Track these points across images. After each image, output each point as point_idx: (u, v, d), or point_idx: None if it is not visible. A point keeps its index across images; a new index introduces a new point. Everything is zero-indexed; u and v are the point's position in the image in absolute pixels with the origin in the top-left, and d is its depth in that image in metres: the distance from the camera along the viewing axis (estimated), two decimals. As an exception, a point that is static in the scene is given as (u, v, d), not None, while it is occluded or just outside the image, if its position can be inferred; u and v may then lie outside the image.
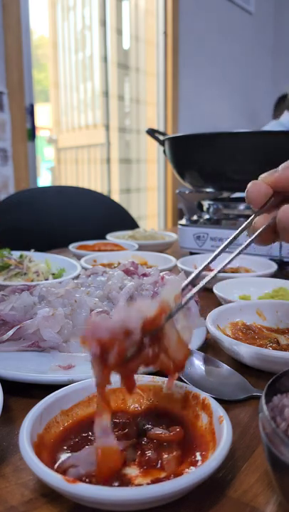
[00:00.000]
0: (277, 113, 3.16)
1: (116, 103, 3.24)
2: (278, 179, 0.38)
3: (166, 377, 0.38)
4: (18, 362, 0.45)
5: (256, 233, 0.38)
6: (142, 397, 0.37)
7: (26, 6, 2.20)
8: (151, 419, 0.35)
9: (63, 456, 0.30)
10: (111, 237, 1.20)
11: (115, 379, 0.37)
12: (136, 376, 0.38)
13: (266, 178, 0.39)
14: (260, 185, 0.38)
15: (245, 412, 0.39)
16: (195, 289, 0.34)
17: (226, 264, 0.37)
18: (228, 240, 0.38)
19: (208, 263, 0.37)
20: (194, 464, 0.30)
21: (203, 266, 0.37)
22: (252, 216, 0.39)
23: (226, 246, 0.38)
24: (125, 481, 0.28)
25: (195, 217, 1.07)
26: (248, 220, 0.39)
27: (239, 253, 0.37)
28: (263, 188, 0.38)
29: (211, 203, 1.04)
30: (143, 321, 0.29)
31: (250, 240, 0.38)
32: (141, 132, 3.38)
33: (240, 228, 0.39)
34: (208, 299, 0.68)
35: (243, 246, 0.37)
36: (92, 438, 0.33)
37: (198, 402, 0.35)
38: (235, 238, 0.38)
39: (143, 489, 0.25)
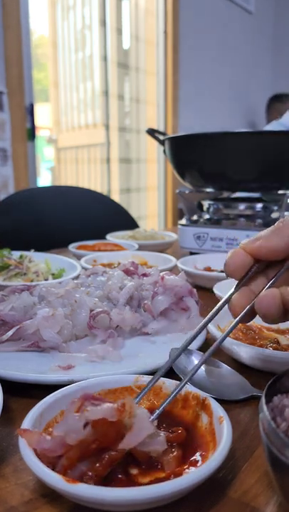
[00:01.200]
0: (270, 113, 3.16)
1: (116, 103, 3.23)
2: (260, 249, 0.35)
3: (167, 377, 0.38)
4: (18, 362, 0.45)
5: (238, 318, 0.35)
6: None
7: (26, 5, 2.20)
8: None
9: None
10: (111, 237, 1.20)
11: (115, 378, 0.37)
12: (136, 376, 0.38)
13: (247, 247, 0.36)
14: (239, 255, 0.36)
15: (245, 412, 0.39)
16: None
17: (222, 339, 0.36)
18: (211, 314, 0.37)
19: (189, 343, 0.36)
20: (194, 464, 0.30)
21: (180, 349, 0.36)
22: (233, 290, 0.37)
23: (209, 320, 0.36)
24: (125, 481, 0.28)
25: (195, 217, 1.07)
26: (229, 294, 0.37)
27: (228, 333, 0.36)
28: (242, 259, 0.36)
29: (211, 202, 1.04)
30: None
31: (233, 324, 0.35)
32: (141, 132, 3.38)
33: (224, 298, 0.36)
34: (208, 299, 0.68)
35: (227, 331, 0.36)
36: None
37: (199, 402, 0.35)
38: (216, 314, 0.36)
39: (143, 489, 0.25)
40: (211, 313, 0.36)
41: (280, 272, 0.36)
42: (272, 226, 0.36)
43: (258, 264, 0.36)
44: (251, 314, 0.35)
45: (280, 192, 0.96)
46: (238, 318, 0.35)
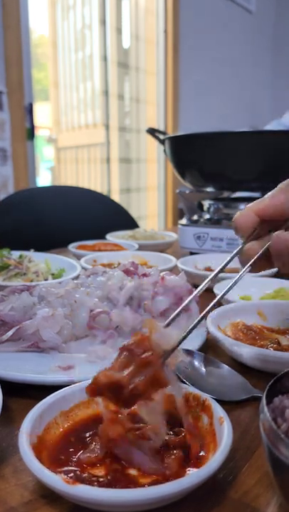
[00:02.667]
0: None
1: (116, 102, 3.23)
2: (266, 208, 0.38)
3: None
4: (18, 362, 0.45)
5: (251, 261, 0.38)
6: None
7: (26, 5, 2.19)
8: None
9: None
10: (111, 237, 1.20)
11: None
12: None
13: (253, 207, 0.38)
14: (247, 215, 0.38)
15: (245, 413, 0.39)
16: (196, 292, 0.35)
17: (223, 294, 0.37)
18: (221, 266, 0.38)
19: (201, 288, 0.36)
20: (195, 465, 0.30)
21: (201, 288, 0.37)
22: (241, 245, 0.39)
23: (218, 272, 0.38)
24: (126, 482, 0.28)
25: (195, 217, 1.06)
26: (239, 248, 0.39)
27: (236, 282, 0.37)
28: (251, 218, 0.38)
29: (211, 202, 1.04)
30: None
31: (245, 268, 0.38)
32: (141, 132, 3.38)
33: (231, 255, 0.39)
34: (208, 299, 0.68)
35: (239, 275, 0.37)
36: (91, 439, 0.33)
37: (199, 403, 0.34)
38: (226, 265, 0.38)
39: (143, 490, 0.25)
40: (221, 266, 0.38)
41: (287, 224, 0.38)
42: (276, 188, 0.39)
43: (262, 226, 0.38)
44: (263, 262, 0.38)
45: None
46: (255, 258, 0.37)
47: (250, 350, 0.44)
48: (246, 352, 0.44)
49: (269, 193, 0.39)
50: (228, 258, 0.38)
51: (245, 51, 4.04)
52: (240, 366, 0.46)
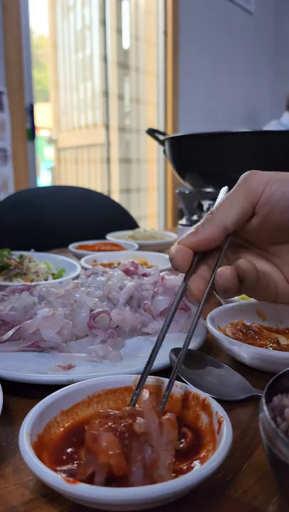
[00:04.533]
0: None
1: (116, 103, 3.23)
2: (199, 242, 0.39)
3: (167, 377, 0.38)
4: (18, 362, 0.45)
5: (201, 304, 0.38)
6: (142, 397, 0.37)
7: (26, 5, 2.20)
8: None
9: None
10: (111, 237, 1.20)
11: (116, 378, 0.37)
12: (136, 376, 0.38)
13: (186, 242, 0.39)
14: (182, 250, 0.39)
15: (245, 412, 0.39)
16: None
17: (185, 346, 0.36)
18: (168, 319, 0.38)
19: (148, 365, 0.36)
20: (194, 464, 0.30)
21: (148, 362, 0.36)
22: (183, 284, 0.39)
23: (165, 331, 0.37)
24: (125, 482, 0.28)
25: (195, 217, 1.07)
26: (182, 288, 0.39)
27: (196, 323, 0.38)
28: (186, 252, 0.39)
29: (211, 203, 1.04)
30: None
31: (199, 309, 0.38)
32: (141, 132, 3.38)
33: (176, 299, 0.38)
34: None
35: (195, 316, 0.37)
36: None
37: (199, 402, 0.35)
38: (174, 312, 0.38)
39: (143, 489, 0.25)
40: (168, 319, 0.38)
41: (221, 254, 0.40)
42: (203, 218, 0.40)
43: (197, 255, 0.40)
44: (210, 295, 0.39)
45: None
46: (202, 302, 0.38)
47: (250, 349, 0.44)
48: (246, 351, 0.44)
49: (198, 225, 0.40)
50: (175, 301, 0.38)
51: (245, 52, 4.04)
52: (239, 366, 0.46)
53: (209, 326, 0.49)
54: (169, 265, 0.85)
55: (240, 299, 0.64)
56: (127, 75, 3.27)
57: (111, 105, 3.22)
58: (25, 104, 2.21)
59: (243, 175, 0.42)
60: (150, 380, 0.37)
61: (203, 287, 0.39)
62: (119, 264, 0.86)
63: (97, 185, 3.33)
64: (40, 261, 0.89)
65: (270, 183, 0.39)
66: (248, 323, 0.54)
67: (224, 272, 0.38)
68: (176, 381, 0.37)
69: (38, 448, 0.30)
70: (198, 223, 0.40)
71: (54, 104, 3.51)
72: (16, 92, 2.15)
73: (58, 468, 0.29)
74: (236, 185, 0.41)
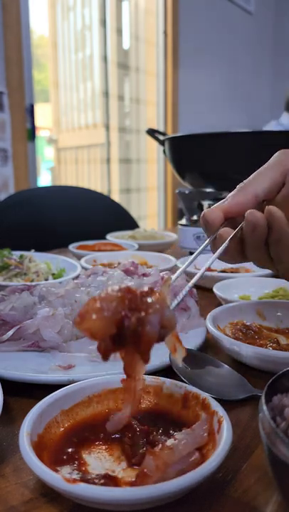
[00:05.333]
0: None
1: (116, 103, 3.23)
2: (230, 207, 0.41)
3: (167, 377, 0.38)
4: (18, 362, 0.45)
5: (226, 242, 0.40)
6: (141, 397, 0.37)
7: (26, 5, 2.20)
8: (152, 420, 0.35)
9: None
10: (111, 237, 1.20)
11: (116, 378, 0.37)
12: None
13: (219, 206, 0.42)
14: (215, 212, 0.42)
15: (245, 412, 0.39)
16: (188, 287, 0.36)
17: (199, 275, 0.38)
18: (193, 256, 0.40)
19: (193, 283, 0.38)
20: (194, 464, 0.30)
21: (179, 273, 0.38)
22: (207, 241, 0.42)
23: (190, 263, 0.40)
24: (125, 481, 0.29)
25: (195, 217, 1.07)
26: (207, 241, 0.42)
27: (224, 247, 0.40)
28: (218, 215, 0.41)
29: (211, 203, 1.04)
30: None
31: (223, 247, 0.40)
32: (141, 132, 3.38)
33: (202, 246, 0.41)
34: (208, 299, 0.68)
35: (212, 259, 0.39)
36: (92, 438, 0.33)
37: (198, 402, 0.35)
38: (199, 253, 0.41)
39: (143, 489, 0.25)
40: (193, 256, 0.40)
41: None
42: (236, 188, 0.42)
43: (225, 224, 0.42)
44: (236, 250, 0.42)
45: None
46: (228, 239, 0.41)
47: (250, 349, 0.44)
48: (246, 351, 0.44)
49: (230, 194, 0.42)
50: (200, 248, 0.41)
51: (245, 52, 4.04)
52: (239, 365, 0.46)
53: (209, 326, 0.49)
54: (169, 265, 0.86)
55: (241, 299, 0.64)
56: (127, 75, 3.27)
57: (111, 105, 3.22)
58: (26, 105, 2.21)
59: (274, 154, 0.43)
60: (150, 380, 0.38)
61: (231, 230, 0.41)
62: (119, 264, 0.86)
63: (97, 185, 3.33)
64: (40, 261, 0.89)
65: None
66: (248, 323, 0.54)
67: (254, 211, 0.39)
68: (176, 381, 0.37)
69: (38, 448, 0.30)
70: (231, 193, 0.42)
71: (54, 105, 3.51)
72: (16, 92, 2.15)
73: (58, 467, 0.29)
74: (268, 162, 0.43)
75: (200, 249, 0.41)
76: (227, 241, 0.41)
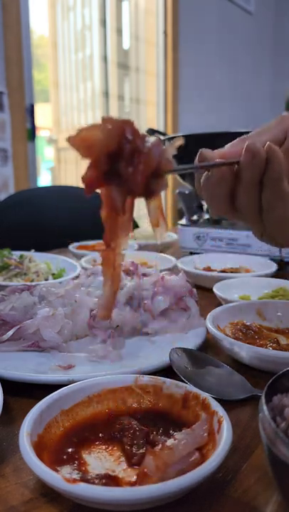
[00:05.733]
0: None
1: (116, 103, 3.23)
2: (227, 152, 0.41)
3: (167, 377, 0.38)
4: (19, 362, 0.45)
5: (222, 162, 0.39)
6: (141, 397, 0.37)
7: (26, 5, 2.20)
8: (152, 420, 0.35)
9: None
10: (111, 237, 1.19)
11: (116, 378, 0.37)
12: (136, 376, 0.38)
13: (215, 152, 0.41)
14: (212, 152, 0.41)
15: (245, 412, 0.39)
16: None
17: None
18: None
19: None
20: (194, 464, 0.30)
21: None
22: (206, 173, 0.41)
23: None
24: (125, 481, 0.29)
25: (195, 217, 1.07)
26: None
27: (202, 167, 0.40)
28: (214, 154, 0.41)
29: (211, 202, 1.04)
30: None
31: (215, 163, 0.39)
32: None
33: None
34: (208, 299, 0.68)
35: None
36: (92, 438, 0.33)
37: (198, 402, 0.35)
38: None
39: (143, 489, 0.25)
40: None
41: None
42: (236, 139, 0.42)
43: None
44: (227, 200, 0.40)
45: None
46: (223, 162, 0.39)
47: (250, 349, 0.44)
48: (246, 351, 0.44)
49: (228, 144, 0.42)
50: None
51: (245, 52, 4.04)
52: (239, 365, 0.46)
53: (209, 326, 0.49)
54: (170, 265, 0.86)
55: (241, 299, 0.64)
56: (127, 75, 3.27)
57: (111, 105, 3.22)
58: (26, 105, 2.21)
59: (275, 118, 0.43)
60: (150, 380, 0.38)
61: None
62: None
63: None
64: (40, 261, 0.89)
65: None
66: (248, 323, 0.54)
67: (255, 142, 0.38)
68: (176, 381, 0.37)
69: (38, 448, 0.30)
70: (231, 142, 0.42)
71: (54, 105, 3.51)
72: (16, 92, 2.15)
73: (58, 467, 0.29)
74: (268, 123, 0.42)
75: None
76: (220, 161, 0.39)
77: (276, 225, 0.40)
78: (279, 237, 0.41)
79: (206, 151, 0.41)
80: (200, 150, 0.41)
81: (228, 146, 0.42)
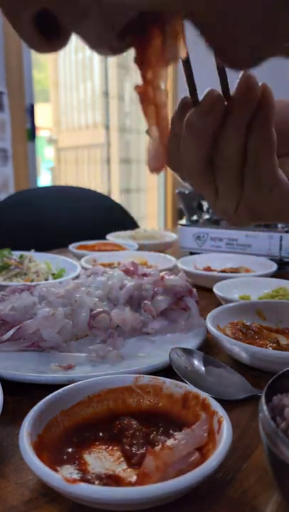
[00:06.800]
0: None
1: (116, 103, 3.24)
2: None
3: (167, 377, 0.38)
4: (18, 362, 0.45)
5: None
6: (141, 397, 0.37)
7: (26, 5, 2.20)
8: (152, 420, 0.35)
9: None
10: (111, 237, 1.20)
11: (116, 378, 0.37)
12: (136, 376, 0.38)
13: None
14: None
15: (245, 412, 0.39)
16: None
17: None
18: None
19: None
20: (194, 463, 0.30)
21: None
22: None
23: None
24: (125, 481, 0.29)
25: (195, 217, 1.07)
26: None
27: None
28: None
29: (211, 202, 1.04)
30: None
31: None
32: (141, 132, 3.38)
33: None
34: (208, 299, 0.68)
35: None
36: (92, 438, 0.33)
37: (198, 402, 0.35)
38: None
39: (143, 489, 0.25)
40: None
41: None
42: None
43: None
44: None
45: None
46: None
47: (250, 349, 0.44)
48: (245, 351, 0.44)
49: None
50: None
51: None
52: (239, 365, 0.46)
53: (209, 326, 0.49)
54: (170, 265, 0.86)
55: (241, 299, 0.64)
56: (127, 75, 3.27)
57: (111, 105, 3.22)
58: (26, 105, 2.21)
59: None
60: (150, 380, 0.38)
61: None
62: (119, 264, 0.86)
63: (97, 186, 3.33)
64: (40, 261, 0.89)
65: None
66: (248, 323, 0.54)
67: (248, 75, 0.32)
68: (176, 381, 0.37)
69: (38, 448, 0.30)
70: None
71: (54, 105, 3.51)
72: (16, 92, 2.15)
73: (58, 467, 0.29)
74: None
75: None
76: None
77: (258, 189, 0.33)
78: (260, 207, 0.34)
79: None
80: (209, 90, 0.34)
81: None
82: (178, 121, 0.35)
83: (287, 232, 0.87)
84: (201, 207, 1.09)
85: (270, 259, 0.84)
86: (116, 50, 0.23)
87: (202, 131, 0.33)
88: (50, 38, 0.22)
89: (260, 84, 0.33)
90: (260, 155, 0.32)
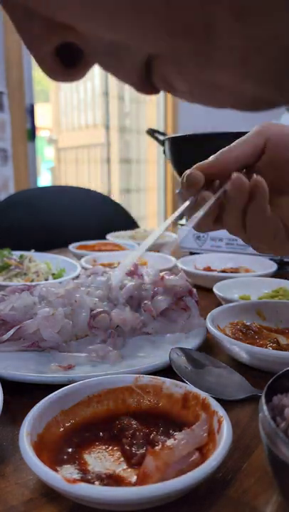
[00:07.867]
0: None
1: (116, 103, 3.24)
2: (210, 166, 0.42)
3: (167, 377, 0.38)
4: (18, 362, 0.45)
5: (210, 201, 0.40)
6: (141, 397, 0.37)
7: (26, 5, 2.20)
8: (152, 420, 0.35)
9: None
10: (111, 237, 1.20)
11: (116, 378, 0.37)
12: (136, 376, 0.38)
13: (198, 166, 0.42)
14: (196, 173, 0.42)
15: (245, 412, 0.39)
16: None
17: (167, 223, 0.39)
18: (171, 218, 0.40)
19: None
20: (194, 464, 0.30)
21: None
22: (188, 202, 0.42)
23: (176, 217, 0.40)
24: (125, 481, 0.29)
25: (195, 217, 1.07)
26: (186, 204, 0.42)
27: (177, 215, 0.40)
28: (201, 175, 0.41)
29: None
30: None
31: (210, 202, 0.40)
32: (141, 132, 3.38)
33: (181, 208, 0.41)
34: (208, 299, 0.68)
35: (197, 216, 0.40)
36: (92, 438, 0.33)
37: (198, 401, 0.35)
38: (182, 211, 0.41)
39: (143, 489, 0.25)
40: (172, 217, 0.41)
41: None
42: (217, 152, 0.43)
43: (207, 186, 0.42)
44: (212, 220, 0.42)
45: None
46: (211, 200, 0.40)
47: (250, 349, 0.44)
48: (245, 351, 0.44)
49: (211, 156, 0.43)
50: (181, 207, 0.41)
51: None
52: (239, 365, 0.46)
53: (209, 326, 0.49)
54: (170, 265, 0.86)
55: (241, 299, 0.64)
56: (127, 75, 3.27)
57: (111, 105, 3.22)
58: (26, 105, 2.21)
59: (254, 127, 0.44)
60: (150, 380, 0.38)
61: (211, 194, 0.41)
62: (119, 264, 0.86)
63: (97, 186, 3.33)
64: (40, 261, 0.89)
65: (281, 126, 0.42)
66: (248, 323, 0.54)
67: (241, 175, 0.39)
68: (176, 381, 0.37)
69: (38, 448, 0.30)
70: (220, 150, 0.43)
71: (54, 105, 3.51)
72: (16, 92, 2.15)
73: (58, 467, 0.30)
74: (248, 133, 0.43)
75: (181, 208, 0.41)
76: (213, 198, 0.40)
77: (260, 239, 0.43)
78: (264, 248, 0.44)
79: (194, 175, 0.41)
80: (186, 173, 0.42)
81: (210, 158, 0.43)
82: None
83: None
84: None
85: (270, 260, 0.84)
86: (145, 89, 0.23)
87: (203, 223, 0.43)
88: (70, 66, 0.21)
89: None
90: (256, 226, 0.42)
